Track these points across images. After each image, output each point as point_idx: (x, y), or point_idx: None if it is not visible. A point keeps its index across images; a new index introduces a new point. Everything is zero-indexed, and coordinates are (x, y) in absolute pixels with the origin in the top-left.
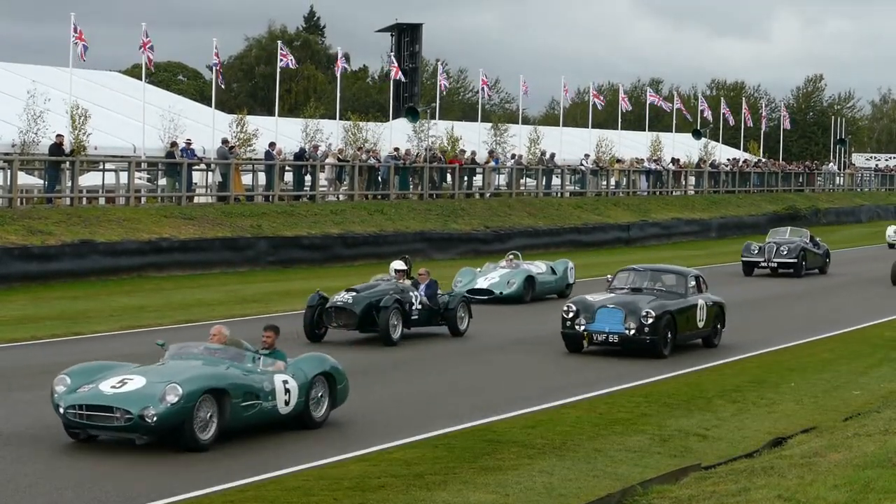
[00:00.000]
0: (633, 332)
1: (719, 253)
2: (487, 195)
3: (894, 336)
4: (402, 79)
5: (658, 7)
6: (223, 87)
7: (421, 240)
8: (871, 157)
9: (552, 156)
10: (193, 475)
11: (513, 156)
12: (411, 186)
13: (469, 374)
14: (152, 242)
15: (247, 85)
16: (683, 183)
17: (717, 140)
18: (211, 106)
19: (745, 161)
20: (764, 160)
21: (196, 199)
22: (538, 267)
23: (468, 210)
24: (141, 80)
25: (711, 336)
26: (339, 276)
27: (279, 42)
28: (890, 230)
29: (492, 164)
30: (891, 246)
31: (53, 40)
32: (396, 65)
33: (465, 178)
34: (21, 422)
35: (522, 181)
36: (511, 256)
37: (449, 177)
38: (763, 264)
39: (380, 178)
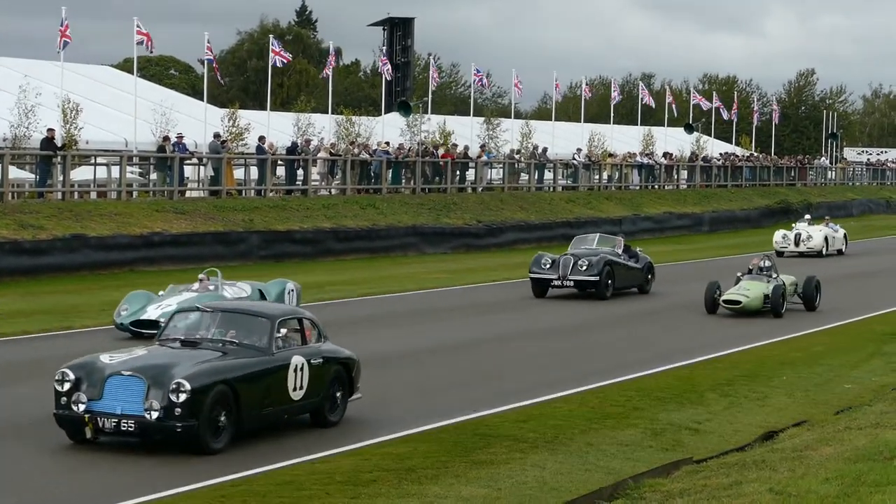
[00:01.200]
0: (157, 414)
1: (710, 247)
2: (480, 189)
3: (886, 330)
4: (390, 74)
5: (650, 1)
6: (222, 83)
7: (413, 234)
8: (862, 152)
9: (544, 150)
10: (184, 469)
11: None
12: (403, 181)
13: None
14: (144, 237)
15: (239, 79)
16: (675, 177)
17: (709, 134)
18: (203, 100)
19: (734, 155)
20: (756, 154)
21: (188, 194)
22: (241, 290)
23: (460, 204)
24: (132, 74)
25: (326, 409)
26: (330, 271)
27: (271, 37)
28: (778, 235)
29: (484, 157)
30: (779, 254)
31: (45, 34)
32: (386, 59)
33: (458, 173)
34: (12, 416)
35: (520, 175)
36: (203, 276)
37: (441, 171)
38: (557, 282)
39: (372, 173)
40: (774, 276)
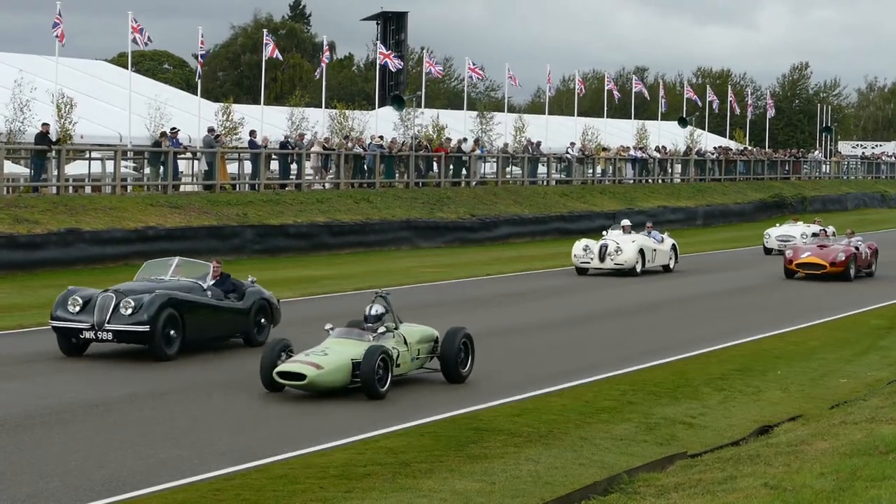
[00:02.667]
0: None
1: (704, 241)
2: (473, 183)
3: (881, 324)
4: (399, 65)
5: None
6: (199, 79)
7: (407, 228)
8: (857, 145)
9: (538, 144)
10: (178, 463)
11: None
12: (397, 175)
13: None
14: (138, 231)
15: (233, 73)
16: (669, 171)
17: (703, 128)
18: (196, 94)
19: (725, 147)
20: (750, 148)
21: (182, 188)
22: None
23: (454, 198)
24: (127, 68)
25: None
26: (324, 265)
27: (265, 31)
28: (577, 247)
29: (477, 151)
30: (581, 271)
31: (39, 29)
32: (385, 52)
33: (451, 167)
34: (7, 411)
35: (508, 169)
36: None
37: (435, 165)
38: (89, 333)
39: (366, 167)
40: (386, 329)
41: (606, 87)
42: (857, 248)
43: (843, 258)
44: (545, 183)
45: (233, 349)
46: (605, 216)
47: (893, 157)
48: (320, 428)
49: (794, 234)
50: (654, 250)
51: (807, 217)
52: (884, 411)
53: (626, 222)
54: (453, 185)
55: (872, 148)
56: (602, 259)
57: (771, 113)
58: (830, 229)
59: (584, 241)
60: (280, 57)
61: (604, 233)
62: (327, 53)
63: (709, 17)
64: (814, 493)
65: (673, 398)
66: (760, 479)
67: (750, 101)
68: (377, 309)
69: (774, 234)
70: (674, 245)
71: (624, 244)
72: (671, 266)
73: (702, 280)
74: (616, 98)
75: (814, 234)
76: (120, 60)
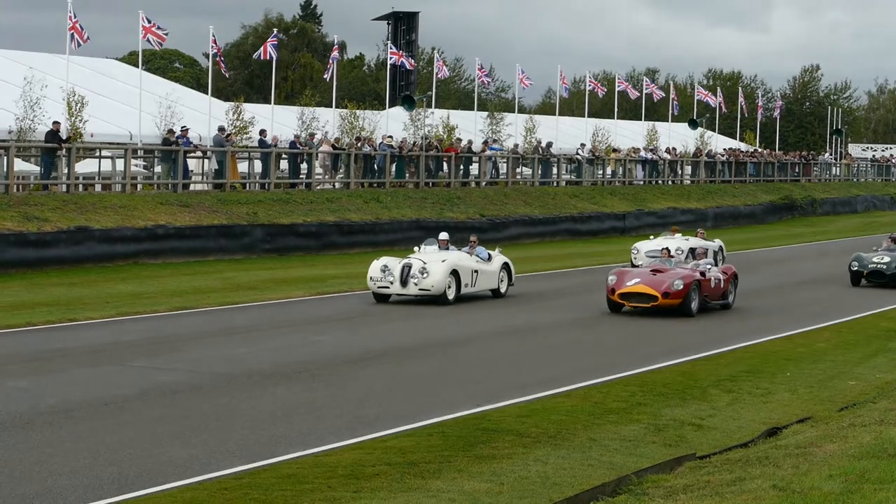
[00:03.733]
0: None
1: None
2: (483, 184)
3: (890, 326)
4: (407, 66)
5: None
6: (226, 75)
7: (416, 228)
8: (867, 148)
9: (549, 145)
10: (188, 461)
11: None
12: (407, 175)
13: None
14: (148, 229)
15: (243, 73)
16: (679, 172)
17: (714, 130)
18: (207, 93)
19: (734, 149)
20: (760, 150)
21: (192, 187)
22: None
23: (464, 198)
24: (137, 67)
25: None
26: (334, 264)
27: (275, 29)
28: (374, 268)
29: (488, 152)
30: (379, 298)
31: (51, 27)
32: (396, 51)
33: (462, 167)
34: (15, 408)
35: (518, 170)
36: None
37: (445, 165)
38: None
39: (376, 167)
40: None
41: (618, 89)
42: (703, 274)
43: (681, 287)
44: (555, 184)
45: (236, 349)
46: (615, 217)
47: None
48: (329, 427)
49: (668, 248)
50: (475, 272)
51: (814, 220)
52: (893, 413)
53: (443, 236)
54: (463, 185)
55: (882, 150)
56: (404, 283)
57: (778, 113)
58: (716, 243)
59: (383, 260)
60: (272, 56)
61: (415, 248)
62: (336, 53)
63: (720, 19)
64: (822, 496)
65: (681, 399)
66: (769, 480)
67: (760, 104)
68: None
69: (644, 248)
70: (506, 264)
71: (432, 264)
72: (502, 290)
73: None
74: (633, 97)
75: (691, 250)
76: (131, 59)
